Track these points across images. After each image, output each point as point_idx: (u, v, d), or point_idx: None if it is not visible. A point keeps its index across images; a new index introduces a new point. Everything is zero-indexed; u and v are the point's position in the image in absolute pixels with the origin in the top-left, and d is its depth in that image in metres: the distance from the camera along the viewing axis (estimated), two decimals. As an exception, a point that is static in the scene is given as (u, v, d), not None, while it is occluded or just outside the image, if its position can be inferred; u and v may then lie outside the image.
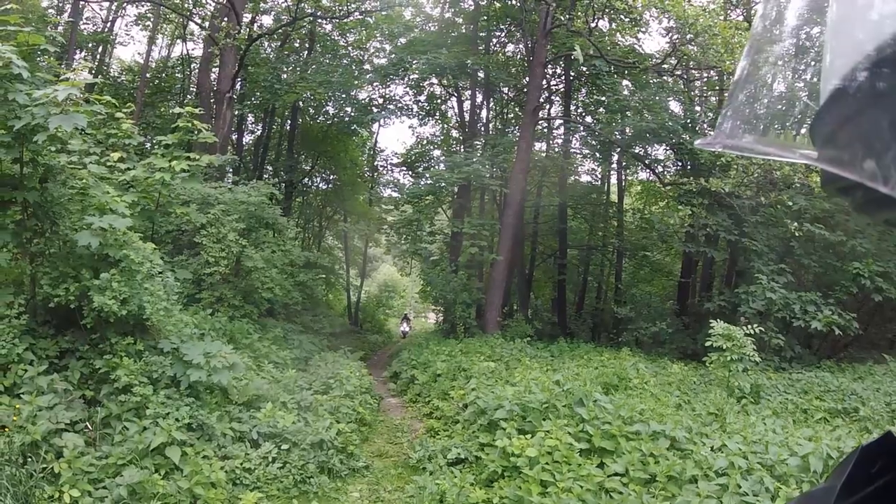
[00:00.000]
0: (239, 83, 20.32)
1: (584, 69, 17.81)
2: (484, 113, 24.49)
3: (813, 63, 0.48)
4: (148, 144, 16.38)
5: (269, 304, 14.07)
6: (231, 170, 20.53)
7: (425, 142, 27.71)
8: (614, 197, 23.01)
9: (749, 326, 9.86)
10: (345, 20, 19.66)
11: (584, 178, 24.20)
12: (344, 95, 22.79)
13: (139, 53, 21.55)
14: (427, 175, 19.61)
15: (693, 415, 6.73)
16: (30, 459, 4.56)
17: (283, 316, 16.09)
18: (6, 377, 5.12)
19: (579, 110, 22.47)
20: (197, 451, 5.76)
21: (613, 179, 23.63)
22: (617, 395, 7.63)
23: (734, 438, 5.50)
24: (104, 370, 5.75)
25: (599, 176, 23.59)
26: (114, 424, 5.42)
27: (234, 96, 15.44)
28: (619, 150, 19.87)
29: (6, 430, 4.64)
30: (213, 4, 17.60)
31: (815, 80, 0.45)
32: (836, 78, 0.40)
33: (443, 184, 17.32)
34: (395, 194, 29.00)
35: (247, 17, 18.09)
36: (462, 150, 20.05)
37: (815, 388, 10.56)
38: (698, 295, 18.50)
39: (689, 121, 18.36)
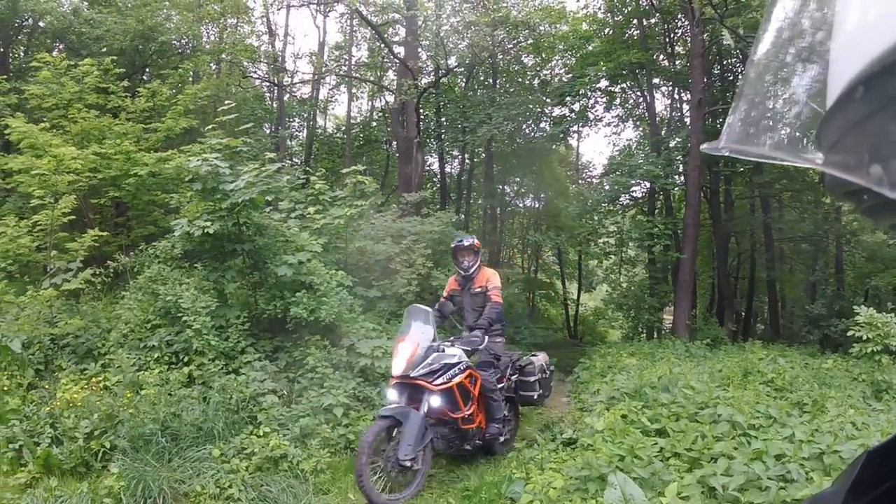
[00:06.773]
0: (435, 123, 23.86)
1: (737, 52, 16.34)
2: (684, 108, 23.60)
3: (820, 67, 0.47)
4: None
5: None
6: (438, 203, 23.91)
7: (624, 147, 27.66)
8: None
9: None
10: (518, 46, 21.33)
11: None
12: (539, 110, 24.28)
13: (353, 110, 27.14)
14: (606, 182, 20.02)
15: (788, 404, 6.55)
16: (241, 409, 7.26)
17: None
18: (234, 362, 8.07)
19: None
20: (359, 415, 8.00)
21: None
22: (728, 389, 7.67)
23: (807, 427, 5.37)
24: (300, 358, 8.45)
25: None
26: (303, 393, 8.00)
27: (420, 141, 18.44)
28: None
29: (229, 391, 7.38)
30: (395, 64, 21.17)
31: (822, 83, 0.46)
32: (842, 82, 0.40)
33: (618, 188, 17.69)
34: (604, 204, 29.57)
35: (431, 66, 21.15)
36: (641, 152, 19.94)
37: None
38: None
39: None
